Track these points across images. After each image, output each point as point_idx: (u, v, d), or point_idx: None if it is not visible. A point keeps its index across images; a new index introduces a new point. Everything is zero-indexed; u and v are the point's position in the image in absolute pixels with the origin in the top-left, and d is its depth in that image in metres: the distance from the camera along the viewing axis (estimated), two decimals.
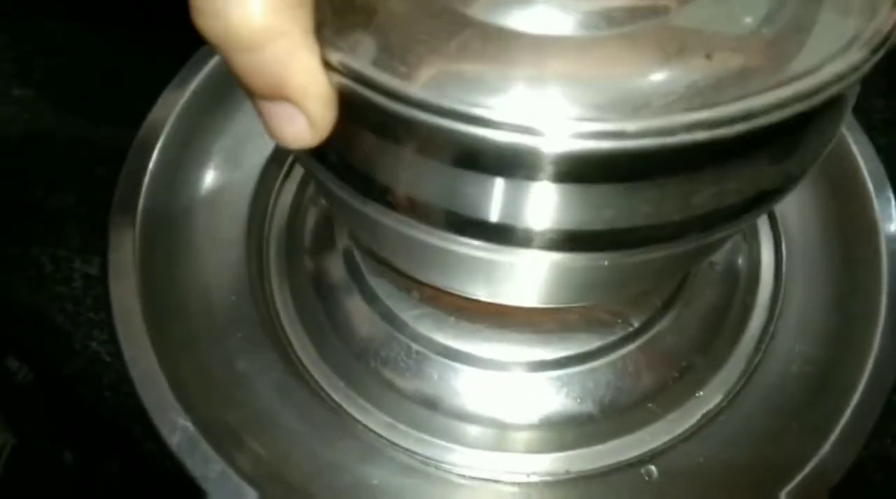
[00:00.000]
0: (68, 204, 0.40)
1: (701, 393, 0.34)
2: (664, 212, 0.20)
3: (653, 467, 0.31)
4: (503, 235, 0.21)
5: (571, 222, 0.20)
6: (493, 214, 0.20)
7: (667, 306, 0.35)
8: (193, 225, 0.36)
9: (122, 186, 0.37)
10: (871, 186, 0.38)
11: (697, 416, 0.33)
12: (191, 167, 0.38)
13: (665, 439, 0.32)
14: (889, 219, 0.37)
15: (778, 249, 0.38)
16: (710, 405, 0.33)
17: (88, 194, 0.40)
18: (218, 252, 0.36)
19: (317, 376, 0.34)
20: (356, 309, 0.35)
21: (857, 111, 0.43)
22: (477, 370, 0.33)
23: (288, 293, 0.36)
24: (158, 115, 0.38)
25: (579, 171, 0.19)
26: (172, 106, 0.38)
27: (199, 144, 0.38)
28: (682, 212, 0.21)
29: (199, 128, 0.38)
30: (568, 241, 0.21)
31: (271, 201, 0.39)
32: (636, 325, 0.34)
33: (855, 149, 0.39)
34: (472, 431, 0.33)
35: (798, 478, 0.30)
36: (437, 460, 0.32)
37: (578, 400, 0.33)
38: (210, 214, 0.37)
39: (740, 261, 0.38)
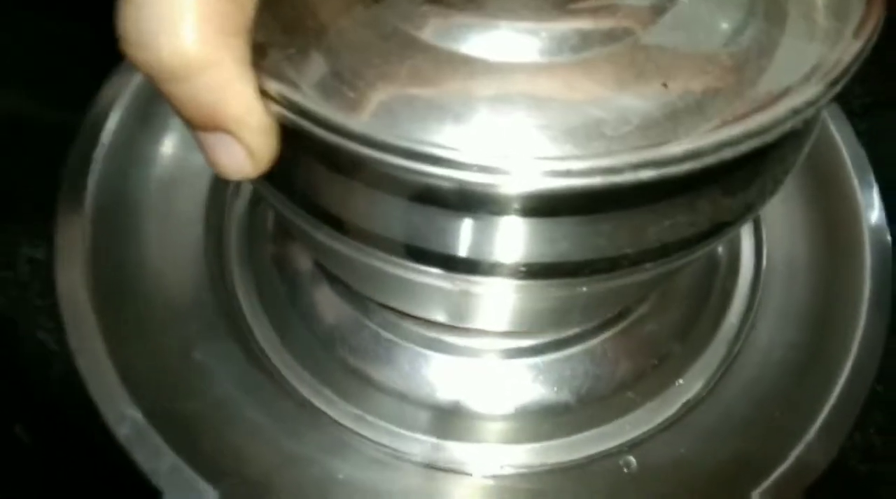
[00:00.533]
0: (14, 185, 0.38)
1: (681, 381, 0.32)
2: (618, 245, 0.20)
3: (631, 458, 0.30)
4: (458, 265, 0.20)
5: (525, 255, 0.20)
6: (446, 246, 0.20)
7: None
8: (147, 206, 0.34)
9: (71, 165, 0.34)
10: (853, 171, 0.37)
11: (678, 405, 0.32)
12: (145, 146, 0.35)
13: (644, 428, 0.31)
14: (871, 204, 0.36)
15: (758, 235, 0.37)
16: (691, 394, 0.32)
17: (35, 175, 0.37)
18: (174, 235, 0.34)
19: (279, 365, 0.32)
20: (322, 294, 0.33)
21: (838, 97, 0.42)
22: (449, 358, 0.31)
23: (250, 278, 0.34)
24: (110, 92, 0.36)
25: (531, 206, 0.18)
26: (125, 83, 0.36)
27: (155, 122, 0.36)
28: (637, 245, 0.20)
29: (154, 104, 0.36)
30: (522, 271, 0.20)
31: (232, 182, 0.37)
32: (614, 311, 0.33)
33: (836, 134, 0.38)
34: (444, 422, 0.31)
35: (773, 476, 0.29)
36: (407, 453, 0.30)
37: (555, 388, 0.31)
38: (165, 195, 0.35)
39: (720, 248, 0.37)
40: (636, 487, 0.29)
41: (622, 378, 0.31)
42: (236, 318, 0.33)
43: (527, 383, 0.31)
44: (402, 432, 0.31)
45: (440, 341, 0.31)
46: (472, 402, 0.31)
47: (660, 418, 0.31)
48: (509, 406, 0.31)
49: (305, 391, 0.32)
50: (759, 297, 0.35)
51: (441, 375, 0.31)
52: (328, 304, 0.33)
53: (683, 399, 0.32)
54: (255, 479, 0.29)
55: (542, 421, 0.31)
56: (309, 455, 0.30)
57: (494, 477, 0.30)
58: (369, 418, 0.31)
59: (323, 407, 0.31)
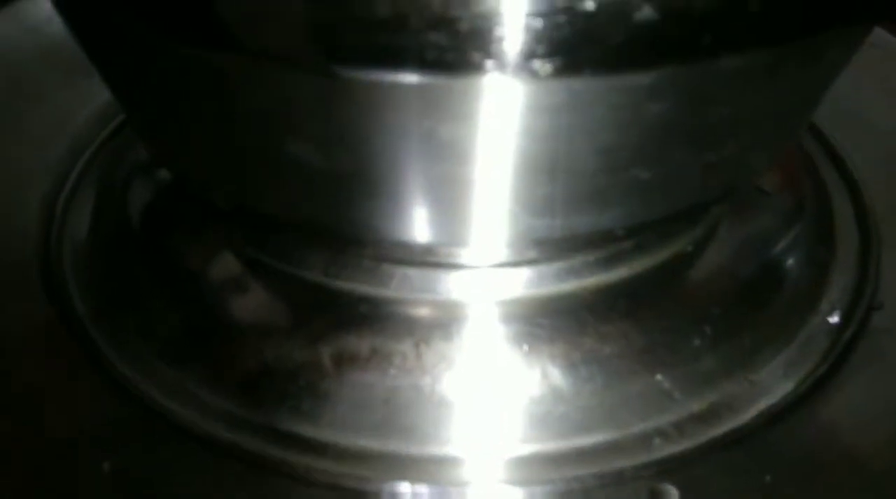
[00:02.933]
0: None
1: (752, 377, 0.20)
2: None
3: (671, 489, 0.17)
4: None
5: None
6: None
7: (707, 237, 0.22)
8: None
9: None
10: None
11: (745, 414, 0.19)
12: None
13: (687, 443, 0.18)
14: None
15: (856, 194, 0.25)
16: (770, 399, 0.19)
17: None
18: None
19: None
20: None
21: None
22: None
23: None
24: None
25: None
26: None
27: None
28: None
29: None
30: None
31: None
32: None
33: None
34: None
35: None
36: None
37: (529, 359, 0.19)
38: None
39: (805, 204, 0.25)
40: None
41: (648, 354, 0.19)
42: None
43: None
44: None
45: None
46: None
47: (712, 430, 0.19)
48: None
49: None
50: (874, 267, 0.22)
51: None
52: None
53: (756, 407, 0.19)
54: None
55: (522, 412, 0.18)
56: None
57: None
58: None
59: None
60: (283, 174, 0.17)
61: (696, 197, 0.17)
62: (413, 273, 0.20)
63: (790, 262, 0.23)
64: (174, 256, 0.23)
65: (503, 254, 0.19)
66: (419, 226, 0.17)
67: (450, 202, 0.16)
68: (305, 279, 0.21)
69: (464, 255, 0.19)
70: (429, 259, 0.19)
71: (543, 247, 0.18)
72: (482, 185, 0.15)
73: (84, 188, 0.27)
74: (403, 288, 0.20)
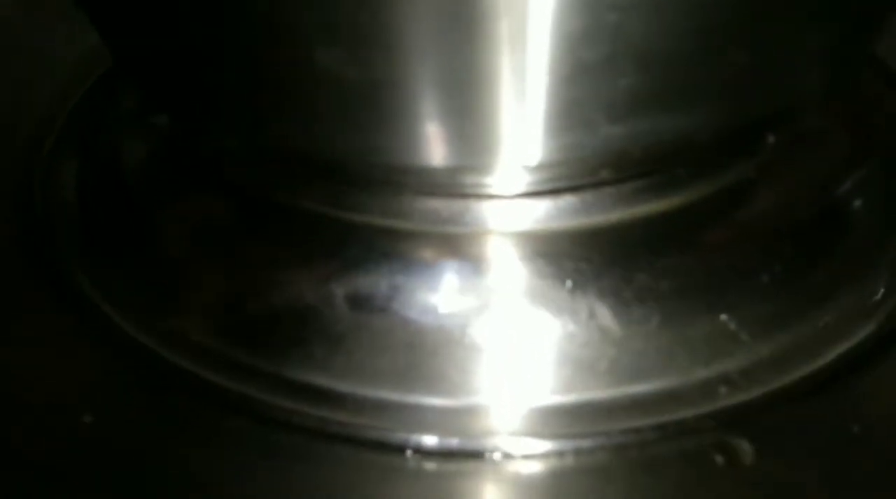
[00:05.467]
0: None
1: (827, 319, 0.17)
2: None
3: (744, 444, 0.15)
4: None
5: None
6: None
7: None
8: None
9: None
10: None
11: (821, 358, 0.17)
12: None
13: (757, 390, 0.16)
14: None
15: None
16: (849, 342, 0.17)
17: None
18: None
19: None
20: None
21: None
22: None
23: None
24: None
25: None
26: None
27: None
28: None
29: None
30: None
31: None
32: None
33: None
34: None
35: None
36: None
37: (575, 292, 0.16)
38: None
39: (875, 140, 0.22)
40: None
41: (711, 291, 0.16)
42: None
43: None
44: None
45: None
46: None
47: (786, 377, 0.16)
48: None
49: None
50: None
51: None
52: None
53: (835, 350, 0.17)
54: None
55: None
56: None
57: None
58: None
59: None
60: (305, 91, 0.15)
61: (781, 97, 0.15)
62: (438, 203, 0.17)
63: (861, 198, 0.21)
64: (167, 197, 0.21)
65: (542, 178, 0.16)
66: (449, 139, 0.15)
67: (485, 104, 0.13)
68: (316, 213, 0.18)
69: (497, 178, 0.16)
70: (457, 184, 0.17)
71: (600, 163, 0.15)
72: (526, 78, 0.13)
73: (72, 131, 0.25)
74: (428, 220, 0.18)
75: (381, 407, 0.16)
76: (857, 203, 0.20)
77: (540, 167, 0.15)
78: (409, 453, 0.16)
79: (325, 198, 0.19)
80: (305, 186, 0.19)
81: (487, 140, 0.15)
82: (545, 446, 0.16)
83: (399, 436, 0.16)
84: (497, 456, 0.16)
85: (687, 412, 0.15)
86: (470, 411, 0.16)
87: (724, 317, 0.16)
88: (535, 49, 0.12)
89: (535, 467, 0.16)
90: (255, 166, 0.20)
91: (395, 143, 0.15)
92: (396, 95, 0.14)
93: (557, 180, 0.17)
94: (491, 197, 0.17)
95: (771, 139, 0.20)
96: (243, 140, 0.19)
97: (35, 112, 0.26)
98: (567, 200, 0.17)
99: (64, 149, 0.24)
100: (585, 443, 0.15)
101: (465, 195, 0.18)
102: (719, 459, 0.15)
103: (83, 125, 0.25)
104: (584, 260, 0.17)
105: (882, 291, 0.18)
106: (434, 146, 0.15)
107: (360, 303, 0.17)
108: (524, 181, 0.17)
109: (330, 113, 0.15)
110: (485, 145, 0.15)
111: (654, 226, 0.17)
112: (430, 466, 0.16)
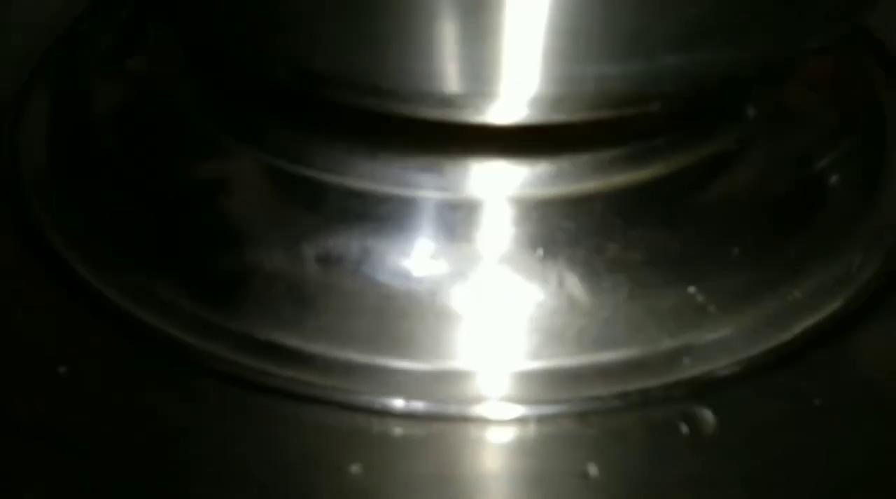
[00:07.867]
0: None
1: (797, 293, 0.17)
2: None
3: (706, 412, 0.15)
4: None
5: None
6: None
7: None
8: None
9: None
10: None
11: (788, 331, 0.17)
12: None
13: (723, 360, 0.16)
14: None
15: None
16: (815, 316, 0.17)
17: None
18: None
19: None
20: None
21: None
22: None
23: None
24: None
25: None
26: None
27: None
28: None
29: None
30: None
31: None
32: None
33: None
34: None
35: None
36: None
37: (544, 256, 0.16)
38: None
39: (857, 116, 0.22)
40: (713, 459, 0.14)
41: (681, 263, 0.17)
42: None
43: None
44: None
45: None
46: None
47: (752, 349, 0.16)
48: None
49: None
50: None
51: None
52: None
53: (802, 324, 0.17)
54: None
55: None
56: None
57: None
58: None
59: None
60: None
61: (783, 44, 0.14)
62: (412, 164, 0.17)
63: (840, 173, 0.20)
64: (138, 146, 0.20)
65: (537, 111, 0.16)
66: (437, 66, 0.14)
67: (487, 29, 0.13)
68: (289, 172, 0.18)
69: (493, 109, 0.16)
70: (449, 112, 0.16)
71: (597, 102, 0.14)
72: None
73: (43, 76, 0.24)
74: (402, 184, 0.17)
75: (350, 369, 0.16)
76: (835, 178, 0.20)
77: (536, 99, 0.15)
78: (375, 415, 0.16)
79: (299, 157, 0.18)
80: (280, 142, 0.19)
81: (488, 67, 0.14)
82: (511, 411, 0.16)
83: (366, 398, 0.16)
84: (462, 420, 0.16)
85: (652, 382, 0.15)
86: (438, 376, 0.16)
87: (692, 289, 0.16)
88: None
89: (500, 432, 0.16)
90: (231, 121, 0.20)
91: (400, 64, 0.15)
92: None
93: (554, 112, 0.16)
94: (466, 159, 0.17)
95: (752, 112, 0.19)
96: (245, 54, 0.18)
97: (8, 55, 0.25)
98: (544, 167, 0.17)
99: (35, 94, 0.24)
100: (550, 409, 0.15)
101: (442, 156, 0.17)
102: (683, 428, 0.15)
103: (55, 69, 0.25)
104: (559, 229, 0.17)
105: (854, 267, 0.18)
106: (435, 70, 0.15)
107: (331, 264, 0.17)
108: (519, 115, 0.16)
109: (329, 29, 0.15)
110: (485, 73, 0.14)
111: (631, 196, 0.17)
112: (396, 429, 0.16)
